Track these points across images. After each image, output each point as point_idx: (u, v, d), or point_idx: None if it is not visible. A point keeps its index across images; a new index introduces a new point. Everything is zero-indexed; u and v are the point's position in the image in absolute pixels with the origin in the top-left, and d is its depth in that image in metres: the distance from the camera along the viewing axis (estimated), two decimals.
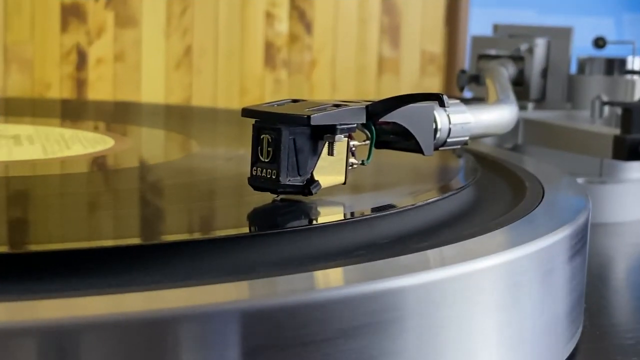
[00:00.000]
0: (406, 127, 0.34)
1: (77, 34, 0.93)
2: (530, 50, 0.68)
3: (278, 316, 0.22)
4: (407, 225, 0.32)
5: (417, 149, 0.35)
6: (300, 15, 1.03)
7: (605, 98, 0.65)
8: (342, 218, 0.31)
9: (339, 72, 1.06)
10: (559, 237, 0.30)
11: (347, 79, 1.07)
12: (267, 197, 0.31)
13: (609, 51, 0.69)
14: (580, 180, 0.57)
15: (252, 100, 1.00)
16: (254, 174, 0.30)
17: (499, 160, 0.48)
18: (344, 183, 0.31)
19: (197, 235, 0.28)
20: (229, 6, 1.00)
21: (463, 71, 0.69)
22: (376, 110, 0.31)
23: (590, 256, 0.37)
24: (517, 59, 0.69)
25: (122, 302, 0.21)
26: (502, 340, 0.28)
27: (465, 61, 1.10)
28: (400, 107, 0.32)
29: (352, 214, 0.32)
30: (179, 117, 0.73)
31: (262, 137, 0.30)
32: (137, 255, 0.25)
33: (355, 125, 0.31)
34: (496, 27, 0.74)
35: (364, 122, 0.31)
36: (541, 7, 1.21)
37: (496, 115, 0.44)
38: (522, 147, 0.65)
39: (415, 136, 0.34)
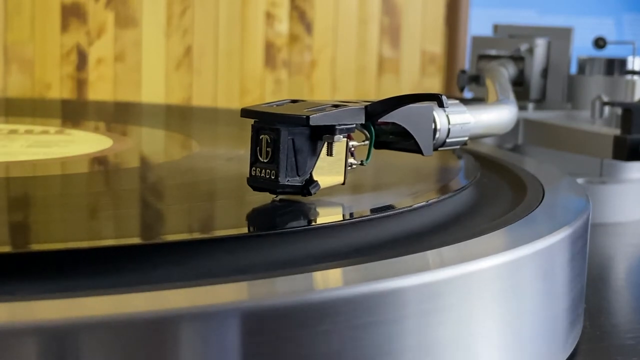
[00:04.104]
0: (405, 127, 0.34)
1: (78, 34, 0.93)
2: (530, 51, 0.68)
3: (278, 316, 0.22)
4: (407, 226, 0.32)
5: (416, 149, 0.34)
6: (300, 15, 1.03)
7: (605, 98, 0.65)
8: (342, 219, 0.31)
9: (339, 72, 1.06)
10: (559, 238, 0.30)
11: (347, 79, 1.07)
12: (266, 197, 0.31)
13: (609, 51, 0.68)
14: (580, 180, 0.57)
15: (252, 100, 1.00)
16: (253, 174, 0.30)
17: (499, 161, 0.48)
18: (343, 183, 0.31)
19: (196, 236, 0.28)
20: (229, 6, 1.00)
21: (463, 71, 0.68)
22: (375, 111, 0.31)
23: (590, 256, 0.37)
24: (517, 59, 0.68)
25: (122, 302, 0.21)
26: (502, 341, 0.28)
27: (466, 61, 1.10)
28: (399, 107, 0.32)
29: (351, 214, 0.32)
30: (179, 117, 0.73)
31: (261, 137, 0.30)
32: (137, 255, 0.25)
33: (354, 125, 0.31)
34: (496, 27, 0.74)
35: (363, 122, 0.31)
36: (541, 7, 1.21)
37: (496, 116, 0.44)
38: (522, 147, 0.65)
39: (415, 136, 0.34)
